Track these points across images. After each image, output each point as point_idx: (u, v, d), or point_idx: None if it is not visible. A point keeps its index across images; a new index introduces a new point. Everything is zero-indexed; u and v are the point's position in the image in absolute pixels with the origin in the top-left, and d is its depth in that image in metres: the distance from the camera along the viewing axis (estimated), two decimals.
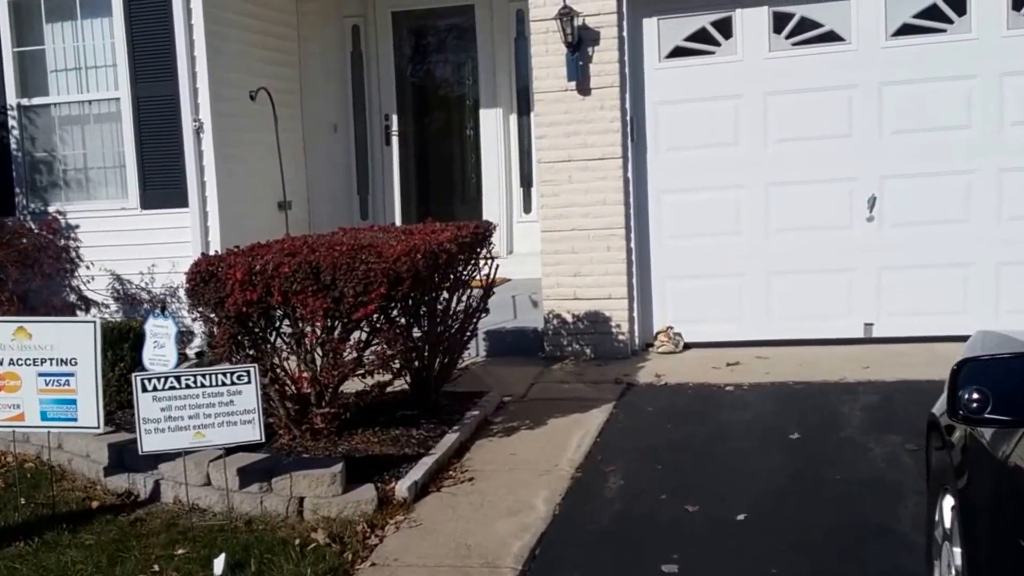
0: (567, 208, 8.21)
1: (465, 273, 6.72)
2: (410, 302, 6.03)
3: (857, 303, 7.97)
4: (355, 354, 5.68)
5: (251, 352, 5.80)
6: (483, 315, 7.17)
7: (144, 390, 5.06)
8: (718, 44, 8.11)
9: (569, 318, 8.28)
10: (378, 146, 10.76)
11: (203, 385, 5.04)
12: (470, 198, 10.71)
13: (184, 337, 8.11)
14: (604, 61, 8.02)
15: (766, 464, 5.66)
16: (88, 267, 9.14)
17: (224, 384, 5.04)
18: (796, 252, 8.04)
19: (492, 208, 10.45)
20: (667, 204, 8.27)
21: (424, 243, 5.87)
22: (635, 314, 8.25)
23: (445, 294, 6.60)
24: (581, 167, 8.14)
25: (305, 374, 5.82)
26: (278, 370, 5.85)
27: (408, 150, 10.84)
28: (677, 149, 8.22)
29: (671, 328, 8.25)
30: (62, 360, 5.49)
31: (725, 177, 8.13)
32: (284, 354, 5.96)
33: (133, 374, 5.16)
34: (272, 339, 5.93)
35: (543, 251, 8.35)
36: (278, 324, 5.87)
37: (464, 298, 6.90)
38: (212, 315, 5.61)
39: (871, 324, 7.93)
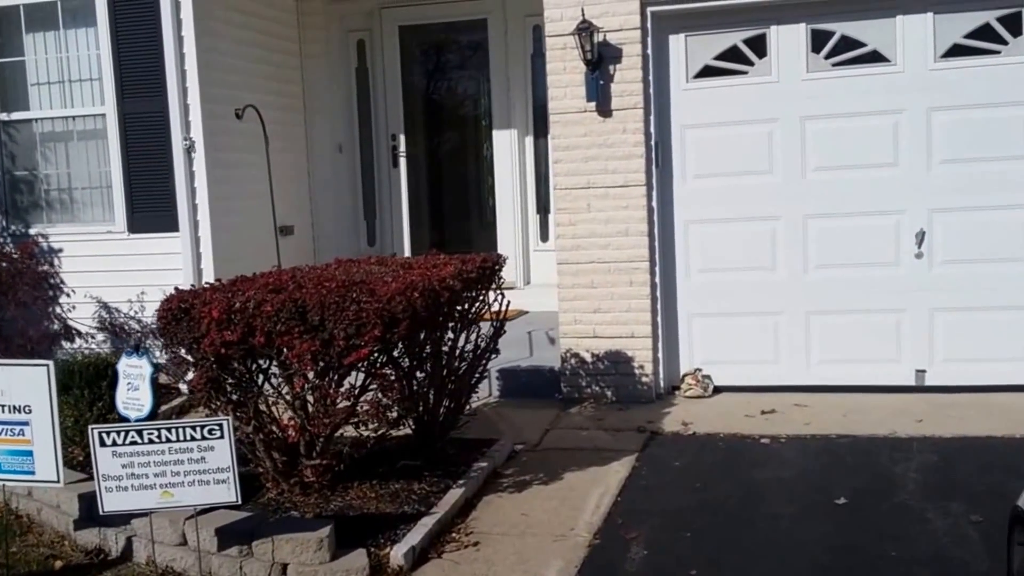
0: (586, 239, 7.56)
1: (472, 311, 6.07)
2: (410, 344, 5.38)
3: (907, 347, 7.29)
4: (349, 402, 5.01)
5: (234, 396, 5.16)
6: (493, 356, 6.52)
7: (103, 444, 4.42)
8: (751, 63, 7.47)
9: (588, 357, 7.62)
10: (385, 168, 10.14)
11: (169, 440, 4.39)
12: (483, 225, 10.07)
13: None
14: (627, 80, 7.39)
15: (810, 535, 4.98)
16: (69, 294, 8.52)
17: (193, 439, 4.39)
18: (838, 290, 7.37)
19: (506, 235, 9.81)
20: (695, 236, 7.62)
21: (423, 280, 5.22)
22: (660, 354, 7.59)
23: (451, 333, 5.96)
24: (601, 194, 7.50)
25: (294, 422, 5.16)
26: (264, 417, 5.19)
27: (417, 173, 10.21)
28: (706, 176, 7.57)
29: (699, 370, 7.58)
30: (14, 408, 4.85)
31: (759, 208, 7.48)
32: (272, 398, 5.31)
33: (90, 426, 4.50)
34: (259, 382, 5.29)
35: (560, 285, 7.70)
36: (264, 364, 5.23)
37: (473, 337, 6.26)
38: (187, 356, 4.95)
39: (923, 371, 7.25)
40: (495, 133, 9.82)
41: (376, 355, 5.07)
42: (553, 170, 7.68)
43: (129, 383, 5.23)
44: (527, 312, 9.48)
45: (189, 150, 8.25)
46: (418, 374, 5.82)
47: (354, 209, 10.30)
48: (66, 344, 8.45)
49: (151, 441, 4.39)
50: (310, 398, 4.97)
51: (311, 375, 4.93)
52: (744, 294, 7.55)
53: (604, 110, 7.43)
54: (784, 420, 6.78)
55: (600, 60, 7.36)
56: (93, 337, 8.45)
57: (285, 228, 9.58)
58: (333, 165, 10.15)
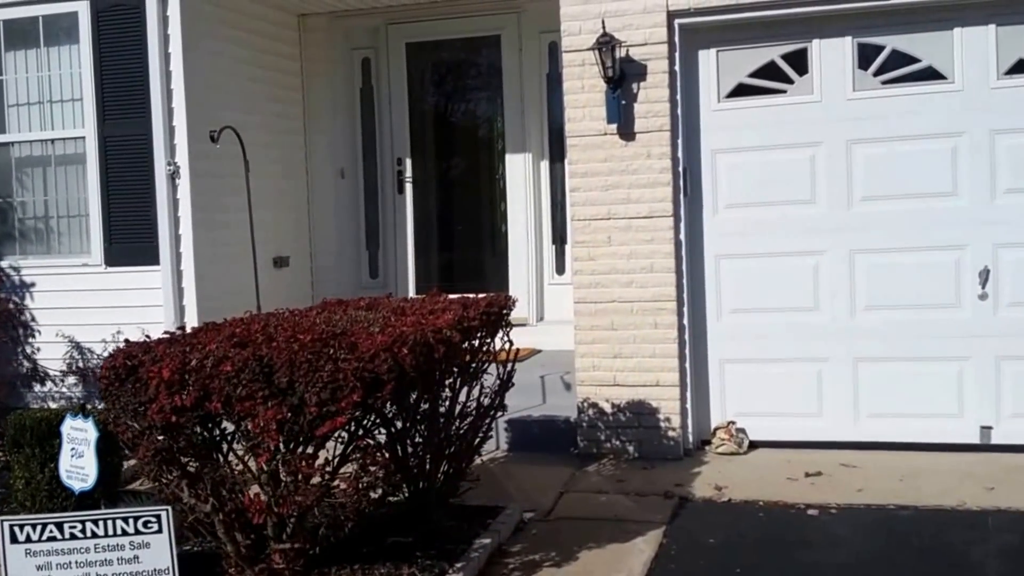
0: (606, 275, 6.79)
1: (475, 363, 5.30)
2: (400, 406, 4.61)
3: (970, 401, 6.46)
4: (322, 478, 4.24)
5: (191, 467, 4.40)
6: (500, 413, 5.74)
7: (14, 540, 3.65)
8: (790, 81, 6.70)
9: (608, 408, 6.84)
10: (390, 194, 9.41)
11: (95, 535, 3.64)
12: (495, 256, 9.31)
13: None
14: (651, 100, 6.63)
15: None
16: (40, 333, 7.81)
17: (125, 533, 3.63)
18: (890, 335, 6.56)
19: (519, 268, 9.06)
20: (727, 272, 6.83)
21: (415, 331, 4.45)
22: (688, 405, 6.79)
23: (448, 391, 5.20)
24: (623, 226, 6.73)
25: (260, 498, 4.39)
26: (225, 493, 4.42)
27: (424, 200, 9.46)
28: (740, 206, 6.79)
29: (733, 423, 6.77)
30: None
31: (800, 242, 6.69)
32: (237, 467, 4.54)
33: (1, 518, 3.74)
34: (223, 450, 4.53)
35: (576, 326, 6.92)
36: (227, 428, 4.47)
37: (475, 392, 5.49)
38: (133, 424, 4.19)
39: (989, 428, 6.42)
40: (508, 157, 9.07)
41: (356, 422, 4.29)
42: (570, 199, 6.92)
43: (73, 448, 4.52)
44: (540, 351, 8.74)
45: (173, 176, 7.57)
46: (412, 436, 5.05)
47: (356, 239, 9.57)
48: (36, 387, 7.74)
49: (73, 536, 3.63)
50: (282, 471, 4.19)
51: (281, 446, 4.16)
52: (783, 338, 6.75)
53: (626, 133, 6.67)
54: (832, 485, 5.96)
55: (622, 78, 6.61)
56: (63, 380, 7.72)
57: (280, 260, 8.88)
58: (335, 191, 9.44)
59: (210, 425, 4.33)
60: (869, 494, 5.76)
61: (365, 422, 4.44)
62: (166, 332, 4.69)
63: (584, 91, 6.72)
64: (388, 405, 4.55)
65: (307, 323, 4.69)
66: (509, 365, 5.73)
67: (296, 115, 9.30)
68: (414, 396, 4.75)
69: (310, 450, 4.19)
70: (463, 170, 9.70)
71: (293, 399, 4.02)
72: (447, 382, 5.11)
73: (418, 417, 5.01)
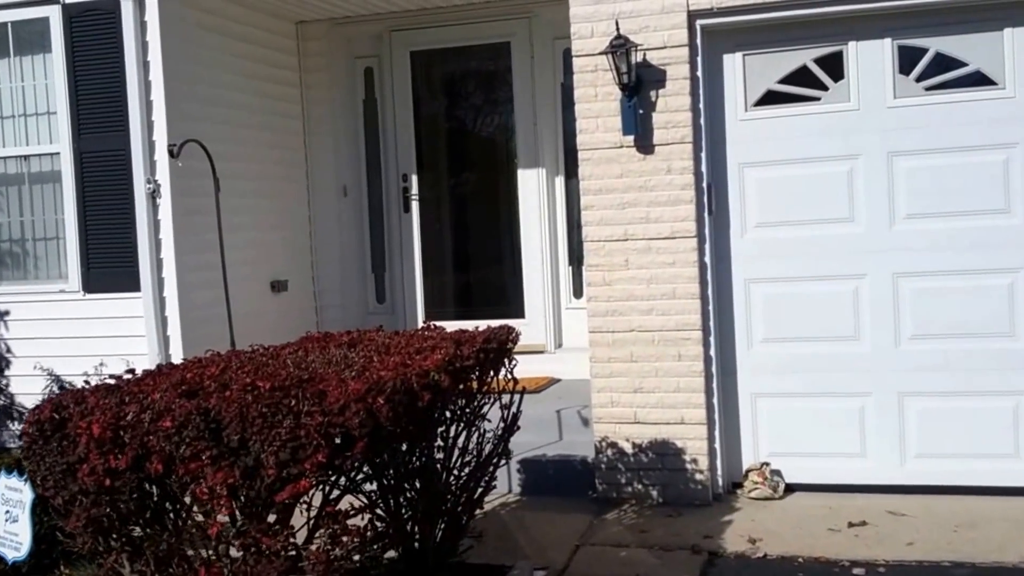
0: (623, 302, 6.17)
1: (471, 407, 4.70)
2: (379, 462, 4.01)
3: None
4: (288, 550, 3.63)
5: (135, 532, 3.80)
6: (503, 461, 5.13)
7: None
8: (824, 88, 6.07)
9: (628, 448, 6.21)
10: (396, 213, 8.82)
11: None
12: (508, 278, 8.70)
13: None
14: (671, 109, 6.02)
15: None
16: (12, 365, 7.27)
17: None
18: (940, 367, 5.91)
19: (534, 291, 8.44)
20: (758, 298, 6.20)
21: (397, 375, 3.85)
22: (717, 444, 6.15)
23: (440, 440, 4.59)
24: (642, 248, 6.11)
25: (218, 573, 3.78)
26: (174, 568, 3.82)
27: (431, 219, 8.86)
28: (771, 225, 6.16)
29: (766, 465, 6.12)
30: None
31: (837, 264, 6.05)
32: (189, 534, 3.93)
33: None
34: (171, 516, 3.92)
35: (592, 358, 6.31)
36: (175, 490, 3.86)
37: (475, 437, 4.88)
38: (64, 488, 3.59)
39: None
40: (520, 173, 8.46)
41: (325, 484, 3.68)
42: (584, 218, 6.30)
43: (8, 512, 3.94)
44: (558, 381, 8.13)
45: (153, 194, 7.01)
46: (404, 492, 4.45)
47: (361, 261, 8.98)
48: (12, 425, 7.19)
49: None
50: (233, 545, 3.59)
51: (237, 514, 3.55)
52: (820, 370, 6.11)
53: (644, 145, 6.06)
54: (879, 537, 5.30)
55: (639, 84, 6.00)
56: None
57: (278, 284, 8.31)
58: (337, 210, 8.86)
59: (154, 487, 3.73)
60: (920, 548, 5.10)
61: (338, 483, 3.83)
62: (111, 376, 4.11)
63: (597, 99, 6.12)
64: (366, 462, 3.96)
65: (273, 366, 4.09)
66: (514, 405, 5.11)
67: (295, 128, 8.74)
68: (405, 446, 4.14)
69: (271, 518, 3.58)
70: (473, 187, 9.09)
71: (247, 460, 3.42)
72: (439, 430, 4.50)
73: (410, 470, 4.41)
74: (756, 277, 6.20)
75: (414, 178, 8.75)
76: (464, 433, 4.77)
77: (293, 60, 8.74)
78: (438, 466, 4.59)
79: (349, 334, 4.98)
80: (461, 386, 4.46)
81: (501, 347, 4.79)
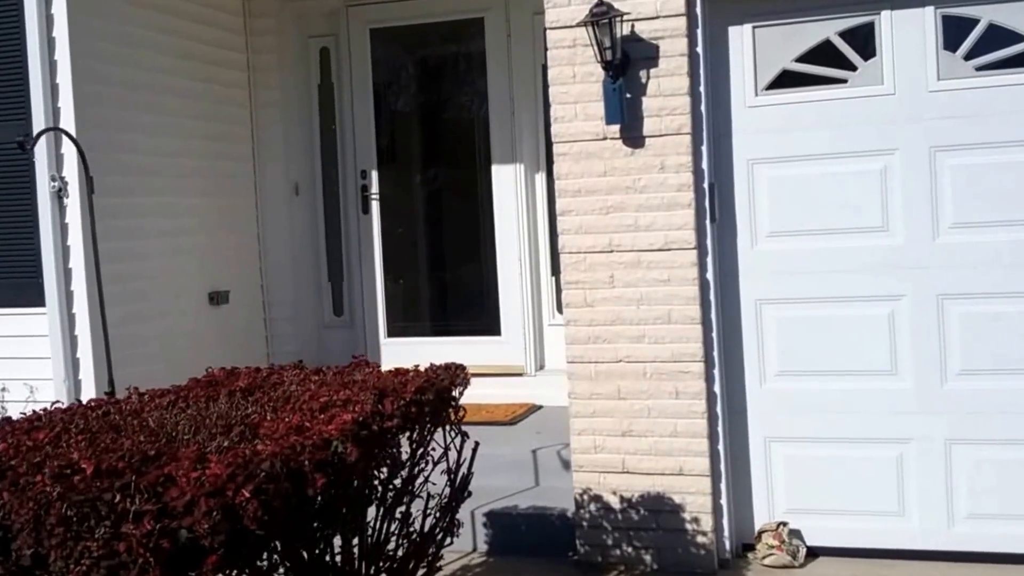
0: (609, 327, 5.10)
1: (395, 482, 3.62)
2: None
3: None
4: None
5: None
6: (448, 540, 4.05)
7: None
8: (852, 67, 4.99)
9: (615, 502, 5.15)
10: (354, 214, 7.75)
11: None
12: (481, 290, 7.64)
13: None
14: (666, 93, 4.95)
15: None
16: None
17: None
18: (997, 409, 4.82)
19: (512, 306, 7.38)
20: (772, 322, 5.12)
21: (281, 450, 2.78)
22: (724, 500, 5.08)
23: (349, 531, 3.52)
24: (630, 262, 5.04)
25: None
26: None
27: (393, 221, 7.78)
28: (787, 235, 5.08)
29: (783, 525, 5.05)
30: None
31: (869, 283, 4.97)
32: None
33: None
34: None
35: (572, 393, 5.25)
36: None
37: (418, 508, 3.81)
38: None
39: None
40: (495, 169, 7.39)
41: None
42: (560, 224, 5.23)
43: None
44: (538, 408, 7.10)
45: (59, 194, 5.96)
46: None
47: (315, 268, 7.93)
48: None
49: None
50: None
51: None
52: (849, 411, 5.03)
53: (633, 137, 4.99)
54: None
55: (626, 62, 4.93)
56: None
57: (217, 295, 7.24)
58: (288, 211, 7.79)
59: None
60: None
61: None
62: None
63: (575, 81, 5.05)
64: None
65: (127, 431, 3.01)
66: (465, 463, 4.04)
67: (241, 118, 7.67)
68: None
69: None
70: (441, 185, 7.99)
71: None
72: (350, 513, 3.43)
73: (318, 565, 3.33)
74: (769, 297, 5.12)
75: (374, 175, 7.68)
76: (387, 519, 3.69)
77: (240, 40, 7.68)
78: (354, 557, 3.50)
79: (253, 375, 3.90)
80: (388, 448, 3.38)
81: (441, 395, 3.71)
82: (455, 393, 3.83)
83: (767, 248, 5.11)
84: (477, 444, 4.10)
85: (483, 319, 7.48)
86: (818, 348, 5.06)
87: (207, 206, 7.20)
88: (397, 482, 3.59)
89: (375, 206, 7.66)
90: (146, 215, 6.62)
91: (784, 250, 5.09)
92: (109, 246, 6.14)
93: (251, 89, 7.74)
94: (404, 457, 3.58)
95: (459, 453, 3.95)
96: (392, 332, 7.61)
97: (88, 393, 6.01)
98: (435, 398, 3.60)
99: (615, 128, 5.00)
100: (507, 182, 7.35)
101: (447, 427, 3.88)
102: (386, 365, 7.61)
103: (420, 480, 3.75)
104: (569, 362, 5.23)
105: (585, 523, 5.22)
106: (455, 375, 3.84)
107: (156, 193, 6.74)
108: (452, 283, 7.93)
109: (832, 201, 5.01)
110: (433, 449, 3.79)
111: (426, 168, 7.98)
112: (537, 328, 7.38)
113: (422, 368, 4.02)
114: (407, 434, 3.56)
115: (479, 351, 7.34)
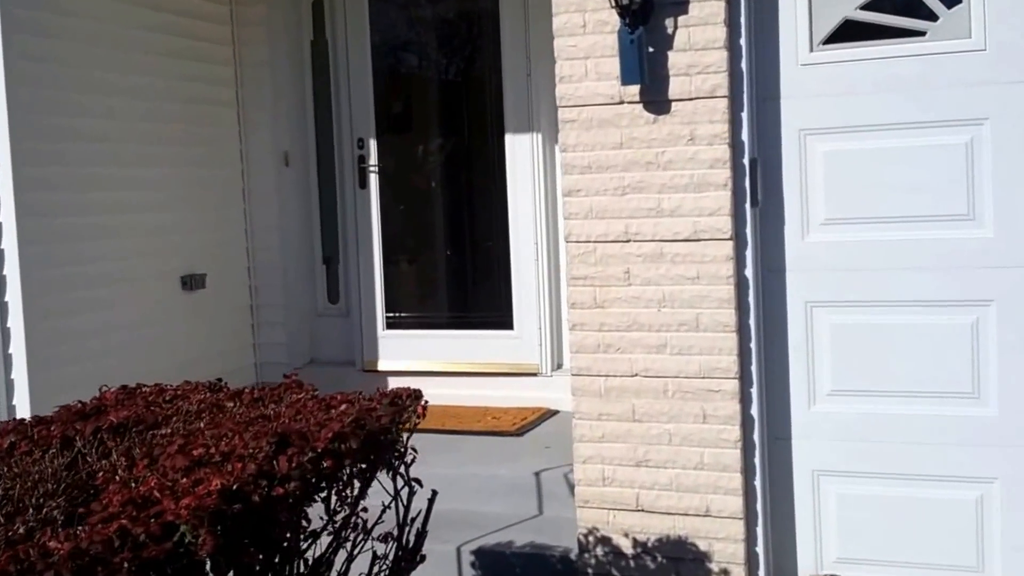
0: (623, 332, 4.17)
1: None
2: None
3: None
4: None
5: None
6: None
7: None
8: (932, 17, 3.99)
9: (627, 546, 4.24)
10: (350, 188, 6.85)
11: None
12: (490, 277, 6.73)
13: None
14: (698, 46, 3.98)
15: None
16: None
17: None
18: None
19: (525, 295, 6.46)
20: (826, 331, 4.14)
21: (88, 543, 1.88)
22: (760, 547, 4.15)
23: None
24: (651, 254, 4.10)
25: None
26: None
27: (394, 196, 6.87)
28: (846, 223, 4.10)
29: None
30: None
31: (949, 284, 3.99)
32: None
33: None
34: None
35: (576, 412, 4.33)
36: None
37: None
38: None
39: None
40: (509, 140, 6.45)
41: None
42: (566, 207, 4.30)
43: None
44: (554, 413, 6.22)
45: None
46: None
47: (308, 249, 7.06)
48: None
49: None
50: None
51: None
52: (918, 441, 4.06)
53: (656, 101, 4.03)
54: None
55: (648, 8, 3.97)
56: None
57: (192, 279, 6.40)
58: (278, 184, 6.92)
59: None
60: None
61: None
62: None
63: (586, 31, 4.09)
64: None
65: None
66: (412, 526, 3.13)
67: (225, 78, 6.80)
68: None
69: None
70: (448, 156, 7.01)
71: None
72: None
73: None
74: (823, 299, 4.14)
75: (372, 144, 6.76)
76: None
77: None
78: None
79: (143, 402, 3.02)
80: (274, 529, 2.47)
81: (376, 438, 2.78)
82: (394, 434, 2.89)
83: (821, 239, 4.13)
84: (434, 494, 3.18)
85: (493, 310, 6.57)
86: (882, 363, 4.08)
87: (181, 178, 6.36)
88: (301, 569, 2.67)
89: (373, 180, 6.75)
90: (104, 188, 5.80)
91: (842, 241, 4.10)
92: (50, 222, 5.35)
93: (235, 46, 6.85)
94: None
95: (406, 510, 3.04)
96: (391, 324, 6.73)
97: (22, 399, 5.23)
98: (365, 445, 2.68)
99: (634, 90, 4.05)
100: (523, 155, 6.41)
101: (395, 473, 2.96)
102: (384, 362, 6.80)
103: (343, 556, 2.84)
104: (574, 375, 4.31)
105: (591, 570, 4.31)
106: (401, 410, 2.91)
107: (120, 164, 5.91)
108: (459, 268, 7.00)
109: (904, 182, 4.01)
110: (364, 510, 2.87)
111: (430, 138, 7.02)
112: (554, 322, 6.46)
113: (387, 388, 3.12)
114: (325, 493, 2.65)
115: (488, 347, 6.48)
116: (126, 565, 1.90)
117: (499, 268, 6.56)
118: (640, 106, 4.05)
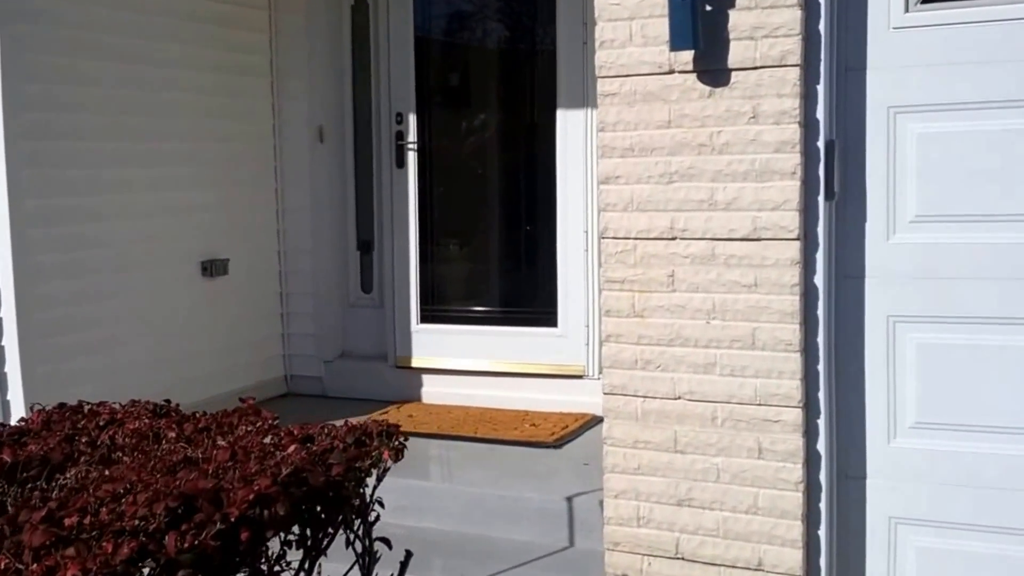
0: (665, 348, 3.51)
1: None
2: None
3: None
4: None
5: None
6: None
7: None
8: None
9: None
10: (387, 168, 6.26)
11: None
12: (535, 268, 6.11)
13: None
14: (765, 3, 3.30)
15: None
16: None
17: None
18: None
19: (573, 289, 5.82)
20: (911, 351, 3.42)
21: None
22: None
23: None
24: (701, 254, 3.43)
25: None
26: None
27: (433, 177, 6.26)
28: (943, 221, 3.36)
29: None
30: None
31: None
32: None
33: None
34: None
35: (607, 438, 3.71)
36: None
37: None
38: None
39: None
40: (561, 116, 5.80)
41: None
42: (602, 196, 3.63)
43: None
44: (600, 420, 5.46)
45: None
46: None
47: (342, 233, 6.50)
48: None
49: None
50: None
51: None
52: (1022, 488, 3.32)
53: (712, 71, 3.35)
54: None
55: None
56: None
57: (212, 265, 5.90)
58: (312, 161, 6.38)
59: None
60: None
61: None
62: None
63: None
64: None
65: None
66: None
67: (257, 46, 6.28)
68: None
69: None
70: (492, 134, 6.39)
71: None
72: None
73: None
74: (910, 314, 3.42)
75: (411, 119, 6.15)
76: None
77: None
78: None
79: (59, 433, 2.45)
80: None
81: (322, 495, 2.16)
82: (351, 484, 2.27)
83: (911, 240, 3.41)
84: (409, 555, 2.56)
85: (536, 305, 5.95)
86: (979, 392, 3.35)
87: (205, 153, 5.88)
88: None
89: (411, 158, 6.15)
90: (116, 165, 5.32)
91: (936, 243, 3.38)
92: (47, 203, 4.88)
93: (271, 10, 6.31)
94: None
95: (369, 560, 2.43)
96: (426, 317, 6.14)
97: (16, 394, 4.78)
98: (300, 507, 2.06)
99: (686, 56, 3.37)
100: (575, 134, 5.76)
101: (354, 536, 2.35)
102: (418, 359, 6.21)
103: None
104: (606, 393, 3.67)
105: None
106: (365, 455, 2.28)
107: (132, 139, 5.42)
108: (499, 258, 6.37)
109: (1017, 174, 3.27)
110: None
111: (473, 113, 6.39)
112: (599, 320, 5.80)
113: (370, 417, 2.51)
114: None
115: (530, 345, 5.88)
116: None
117: (544, 259, 5.92)
118: (693, 76, 3.37)
